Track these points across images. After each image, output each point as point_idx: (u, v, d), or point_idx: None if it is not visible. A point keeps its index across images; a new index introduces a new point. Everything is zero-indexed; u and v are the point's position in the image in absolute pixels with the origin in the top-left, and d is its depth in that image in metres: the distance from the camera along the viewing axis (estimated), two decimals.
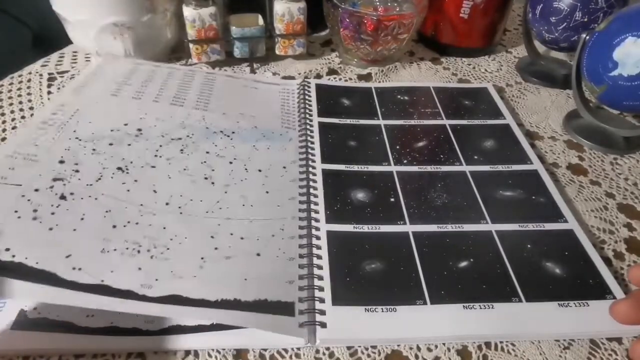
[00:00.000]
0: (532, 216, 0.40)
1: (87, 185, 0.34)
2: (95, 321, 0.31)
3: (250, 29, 0.57)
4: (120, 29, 0.53)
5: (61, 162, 0.35)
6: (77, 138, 0.38)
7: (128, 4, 0.52)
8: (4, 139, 0.46)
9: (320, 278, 0.34)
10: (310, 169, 0.43)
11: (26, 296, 0.28)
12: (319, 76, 0.60)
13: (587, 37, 0.49)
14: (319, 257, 0.35)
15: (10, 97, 0.53)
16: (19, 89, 0.54)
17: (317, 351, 0.31)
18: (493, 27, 0.63)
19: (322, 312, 0.32)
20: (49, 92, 0.54)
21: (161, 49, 0.59)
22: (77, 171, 0.35)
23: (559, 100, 0.58)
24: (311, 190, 0.41)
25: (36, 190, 0.33)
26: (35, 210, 0.31)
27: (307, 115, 0.50)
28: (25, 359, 0.30)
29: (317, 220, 0.38)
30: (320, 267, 0.35)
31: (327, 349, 0.31)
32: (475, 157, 0.47)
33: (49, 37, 0.62)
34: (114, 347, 0.30)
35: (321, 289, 0.33)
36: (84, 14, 0.52)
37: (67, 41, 0.59)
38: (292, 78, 0.59)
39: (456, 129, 0.50)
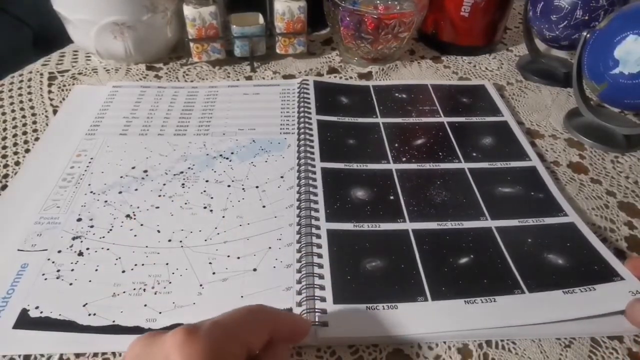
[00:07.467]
0: (532, 211, 0.40)
1: (100, 238, 0.37)
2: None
3: (251, 28, 0.57)
4: (121, 28, 0.53)
5: (78, 220, 0.38)
6: (91, 192, 0.41)
7: (128, 3, 0.52)
8: (4, 138, 0.47)
9: (321, 277, 0.34)
10: (310, 168, 0.43)
11: (50, 344, 0.31)
12: (319, 75, 0.60)
13: (588, 35, 0.49)
14: (320, 255, 0.35)
15: (10, 97, 0.53)
16: (20, 88, 0.54)
17: (319, 350, 0.31)
18: (494, 25, 0.63)
19: (324, 311, 0.32)
20: (49, 92, 0.54)
21: (161, 48, 0.59)
22: (91, 226, 0.38)
23: (560, 98, 0.58)
24: (310, 189, 0.41)
25: (59, 251, 0.36)
26: (58, 270, 0.35)
27: (306, 114, 0.50)
28: (27, 358, 0.30)
29: (317, 219, 0.38)
30: (321, 266, 0.35)
31: (329, 347, 0.31)
32: (474, 154, 0.47)
33: (50, 36, 0.62)
34: (115, 346, 0.30)
35: (322, 287, 0.33)
36: (84, 13, 0.52)
37: (67, 40, 0.59)
38: (293, 77, 0.59)
39: (454, 126, 0.50)
